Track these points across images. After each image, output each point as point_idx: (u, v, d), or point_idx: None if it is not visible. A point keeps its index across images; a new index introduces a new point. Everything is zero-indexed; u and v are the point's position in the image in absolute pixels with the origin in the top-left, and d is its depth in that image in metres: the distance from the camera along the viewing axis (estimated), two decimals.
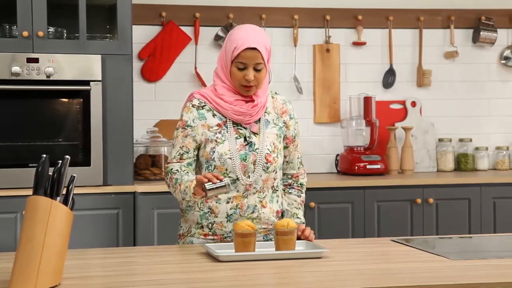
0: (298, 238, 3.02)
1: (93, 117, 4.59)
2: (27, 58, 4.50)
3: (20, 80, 4.50)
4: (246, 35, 3.05)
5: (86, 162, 4.59)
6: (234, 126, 3.12)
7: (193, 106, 3.14)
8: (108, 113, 4.63)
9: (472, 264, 2.73)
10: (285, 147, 3.23)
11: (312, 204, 4.89)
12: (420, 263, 2.77)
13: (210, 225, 3.12)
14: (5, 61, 4.47)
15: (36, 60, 4.51)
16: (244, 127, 3.13)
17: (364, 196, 5.01)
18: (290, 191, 3.29)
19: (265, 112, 3.17)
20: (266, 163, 3.10)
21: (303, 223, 3.22)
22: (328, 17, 5.60)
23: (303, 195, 3.33)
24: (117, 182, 4.65)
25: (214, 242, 3.09)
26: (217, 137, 3.09)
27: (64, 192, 2.43)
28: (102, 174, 4.62)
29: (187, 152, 3.12)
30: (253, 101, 3.12)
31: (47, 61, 4.52)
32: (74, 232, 4.44)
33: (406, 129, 5.60)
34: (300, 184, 3.32)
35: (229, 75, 3.09)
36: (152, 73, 5.33)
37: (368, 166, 5.34)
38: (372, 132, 5.49)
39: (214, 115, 3.13)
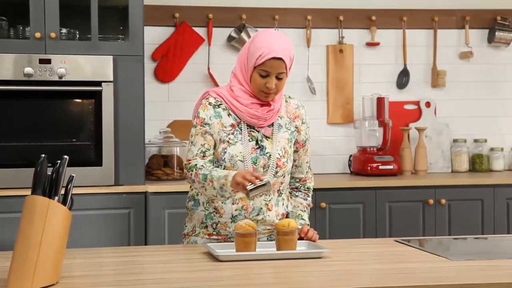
0: (301, 239, 3.03)
1: (104, 117, 4.62)
2: (39, 59, 4.54)
3: (33, 81, 4.54)
4: (272, 43, 3.02)
5: (98, 162, 4.62)
6: (247, 129, 3.13)
7: (209, 104, 3.13)
8: (120, 113, 4.66)
9: (473, 264, 2.74)
10: (295, 151, 3.23)
11: (323, 204, 4.90)
12: (420, 263, 2.78)
13: (215, 225, 3.14)
14: (18, 62, 4.52)
15: (48, 61, 4.55)
16: (257, 130, 3.13)
17: (375, 196, 5.00)
18: (296, 194, 3.30)
19: (278, 116, 3.17)
20: (276, 168, 3.11)
21: (308, 225, 3.22)
22: (341, 18, 5.60)
23: (310, 199, 3.33)
24: (128, 182, 4.67)
25: (218, 242, 3.11)
26: (229, 138, 3.10)
27: (63, 192, 2.45)
28: (114, 174, 4.65)
29: (209, 150, 3.11)
30: (269, 105, 3.12)
31: (59, 62, 4.55)
32: (85, 231, 4.53)
33: (419, 130, 5.59)
34: (307, 188, 3.33)
35: (249, 80, 3.09)
36: (165, 74, 5.36)
37: (380, 167, 5.34)
38: (385, 133, 5.48)
39: (229, 114, 3.13)
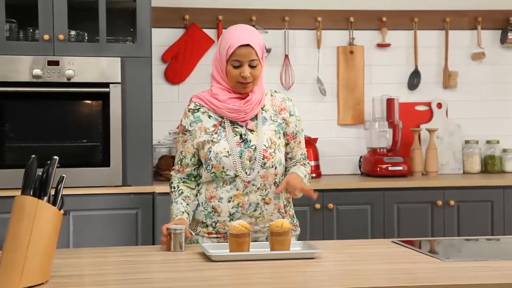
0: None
1: (112, 118, 4.66)
2: (48, 61, 4.59)
3: (41, 83, 4.59)
4: (239, 33, 3.12)
5: (106, 162, 4.67)
6: (231, 125, 3.17)
7: (189, 110, 3.22)
8: (128, 114, 4.70)
9: (465, 265, 2.73)
10: (287, 144, 3.26)
11: (331, 205, 4.90)
12: (412, 264, 2.78)
13: (214, 224, 3.18)
14: (27, 64, 4.57)
15: (56, 63, 4.60)
16: (240, 125, 3.18)
17: (383, 197, 5.00)
18: (294, 165, 3.28)
19: (263, 109, 3.22)
20: (263, 159, 3.14)
21: (305, 176, 3.20)
22: (352, 19, 5.60)
23: (308, 168, 3.30)
24: (136, 182, 4.72)
25: (218, 241, 3.16)
26: (213, 137, 3.15)
27: (54, 192, 2.47)
28: (122, 174, 4.69)
29: (185, 158, 3.23)
30: (246, 96, 3.17)
31: (68, 64, 4.60)
32: (93, 231, 4.57)
33: (430, 131, 5.58)
34: (304, 164, 3.30)
35: (225, 75, 3.15)
36: (175, 75, 5.39)
37: (390, 168, 5.33)
38: (395, 134, 5.47)
39: (209, 116, 3.19)
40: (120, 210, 4.67)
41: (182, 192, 3.21)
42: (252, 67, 3.11)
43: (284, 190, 3.15)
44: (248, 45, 3.09)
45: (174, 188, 3.23)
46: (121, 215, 4.66)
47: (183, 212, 3.16)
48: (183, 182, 3.25)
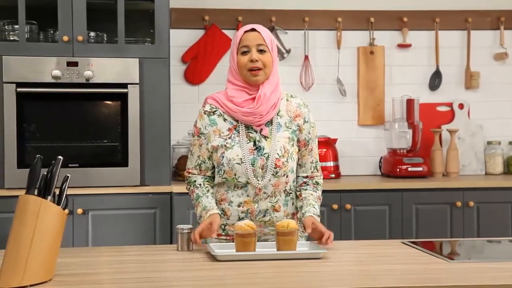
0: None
1: (130, 119, 4.70)
2: (67, 62, 4.64)
3: (61, 83, 4.64)
4: (246, 26, 3.18)
5: (124, 162, 4.71)
6: (245, 130, 3.16)
7: (205, 112, 3.22)
8: (146, 115, 4.74)
9: (472, 266, 2.73)
10: (298, 150, 3.24)
11: (348, 206, 4.89)
12: (417, 265, 2.78)
13: (223, 226, 3.20)
14: (46, 65, 4.62)
15: (75, 64, 4.64)
16: (255, 131, 3.17)
17: (402, 198, 4.98)
18: (305, 188, 3.25)
19: (278, 115, 3.20)
20: (275, 168, 3.13)
21: (319, 216, 3.18)
22: (372, 19, 5.59)
23: (319, 192, 3.28)
24: (154, 182, 4.75)
25: (227, 242, 3.16)
26: (227, 143, 3.15)
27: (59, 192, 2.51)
28: (140, 174, 4.72)
29: (204, 162, 3.22)
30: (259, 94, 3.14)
31: (86, 65, 4.65)
32: (112, 230, 4.61)
33: (451, 132, 5.55)
34: (316, 182, 3.28)
35: (237, 69, 3.15)
36: (195, 76, 5.42)
37: (410, 169, 5.30)
38: (415, 135, 5.45)
39: (225, 119, 3.18)
40: (138, 209, 4.70)
41: (208, 190, 3.21)
42: (260, 52, 3.12)
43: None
44: (253, 29, 3.14)
45: (200, 184, 3.21)
46: (139, 215, 4.70)
47: (215, 208, 3.15)
48: (207, 181, 3.24)
